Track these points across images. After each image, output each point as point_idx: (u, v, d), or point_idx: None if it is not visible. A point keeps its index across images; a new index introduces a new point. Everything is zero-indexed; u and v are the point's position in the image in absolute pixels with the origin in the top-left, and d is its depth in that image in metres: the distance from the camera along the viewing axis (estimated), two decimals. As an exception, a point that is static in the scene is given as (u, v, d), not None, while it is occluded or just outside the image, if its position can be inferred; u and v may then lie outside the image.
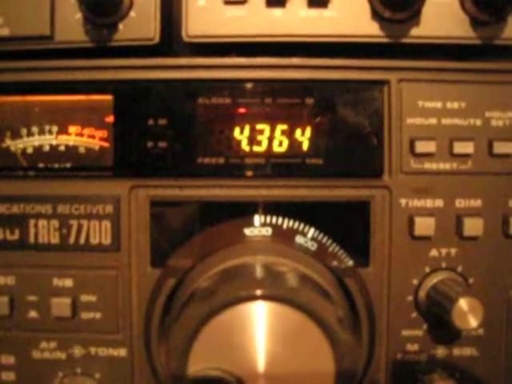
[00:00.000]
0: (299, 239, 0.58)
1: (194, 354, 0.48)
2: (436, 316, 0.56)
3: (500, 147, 0.57)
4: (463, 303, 0.52)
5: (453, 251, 0.57)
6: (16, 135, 0.59)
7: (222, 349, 0.48)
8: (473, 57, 0.60)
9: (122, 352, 0.59)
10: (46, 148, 0.59)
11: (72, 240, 0.58)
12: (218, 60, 0.57)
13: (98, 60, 0.57)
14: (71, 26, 0.58)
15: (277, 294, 0.48)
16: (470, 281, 0.58)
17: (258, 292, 0.48)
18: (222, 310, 0.48)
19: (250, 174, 0.58)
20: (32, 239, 0.58)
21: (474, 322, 0.52)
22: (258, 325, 0.48)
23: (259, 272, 0.52)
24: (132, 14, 0.57)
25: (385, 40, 0.57)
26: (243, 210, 0.58)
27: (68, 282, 0.58)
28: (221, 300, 0.49)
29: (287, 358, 0.48)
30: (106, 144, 0.58)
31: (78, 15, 0.57)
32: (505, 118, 0.58)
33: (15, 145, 0.59)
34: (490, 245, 0.58)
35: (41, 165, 0.59)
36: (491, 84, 0.58)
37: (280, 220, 0.58)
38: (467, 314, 0.52)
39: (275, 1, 0.56)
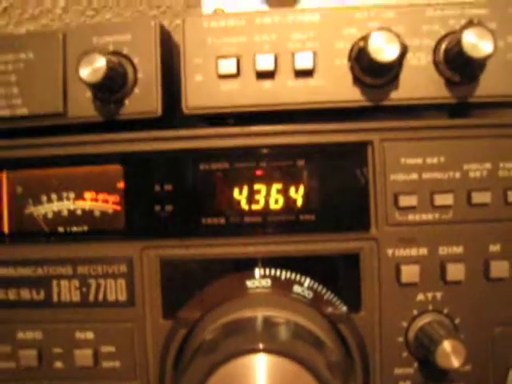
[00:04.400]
0: (297, 289, 0.63)
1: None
2: (424, 355, 0.61)
3: (478, 197, 0.62)
4: (446, 345, 0.57)
5: (438, 295, 0.62)
6: (37, 202, 0.65)
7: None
8: (455, 113, 0.65)
9: (140, 397, 0.65)
10: (65, 213, 0.65)
11: (91, 297, 0.64)
12: (215, 130, 0.63)
13: (107, 134, 0.63)
14: (82, 103, 0.64)
15: (275, 348, 0.53)
16: (457, 321, 0.62)
17: (258, 346, 0.53)
18: (225, 363, 0.53)
19: (249, 231, 0.63)
20: (55, 298, 0.65)
21: (456, 363, 0.57)
22: (259, 375, 0.53)
23: (259, 326, 0.58)
24: (136, 90, 0.63)
25: (367, 104, 0.62)
26: (244, 265, 0.63)
27: (89, 335, 0.64)
28: (225, 353, 0.54)
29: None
30: (118, 208, 0.64)
31: (88, 94, 0.63)
32: (482, 170, 0.62)
33: (37, 211, 0.65)
34: (474, 288, 0.62)
35: (60, 229, 0.65)
36: (468, 138, 0.62)
37: (278, 272, 0.63)
38: (450, 355, 0.57)
39: (265, 73, 0.62)
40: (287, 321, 0.58)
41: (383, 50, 0.57)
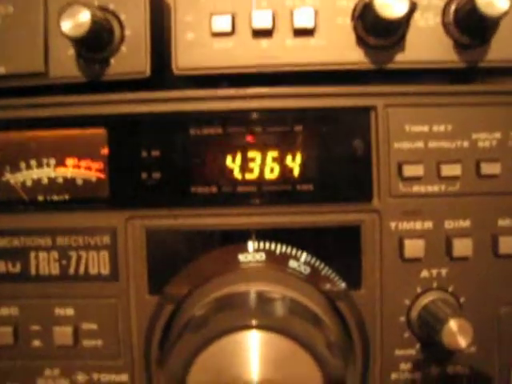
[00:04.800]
0: (292, 263, 0.59)
1: (190, 381, 0.49)
2: (428, 335, 0.57)
3: (487, 168, 0.58)
4: (453, 324, 0.53)
5: (443, 272, 0.59)
6: (15, 169, 0.61)
7: (218, 375, 0.49)
8: (460, 79, 0.61)
9: (123, 377, 0.60)
10: (45, 180, 0.61)
11: (72, 271, 0.60)
12: (208, 92, 0.59)
13: (91, 95, 0.59)
14: (65, 62, 0.59)
15: (269, 324, 0.50)
16: (462, 300, 0.59)
17: (252, 322, 0.50)
18: (217, 339, 0.49)
19: (242, 201, 0.59)
20: (33, 271, 0.60)
21: (463, 343, 0.53)
22: (252, 352, 0.50)
23: (252, 301, 0.54)
24: (123, 48, 0.59)
25: (370, 66, 0.58)
26: (237, 237, 0.59)
27: (69, 311, 0.60)
28: (216, 329, 0.50)
29: (280, 384, 0.49)
30: (102, 175, 0.60)
31: (71, 51, 0.59)
32: (491, 139, 0.59)
33: (15, 178, 0.61)
34: (480, 264, 0.59)
35: (40, 197, 0.61)
36: (477, 106, 0.59)
37: (273, 245, 0.59)
38: (457, 334, 0.53)
39: (262, 32, 0.58)
40: (282, 296, 0.55)
41: (390, 5, 0.53)
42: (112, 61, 0.59)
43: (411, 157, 0.58)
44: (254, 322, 0.50)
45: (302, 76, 0.59)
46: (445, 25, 0.57)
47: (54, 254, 0.60)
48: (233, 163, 0.59)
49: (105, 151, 0.60)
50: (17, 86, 0.60)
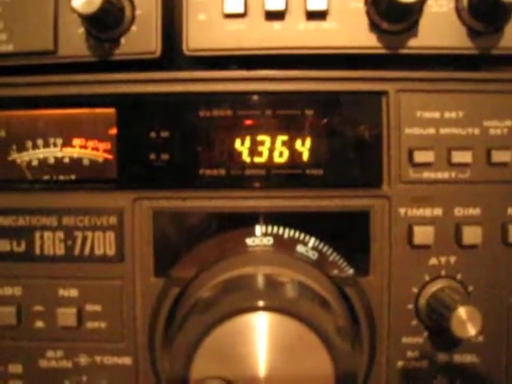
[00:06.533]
0: (300, 248, 0.59)
1: (196, 363, 0.49)
2: (436, 323, 0.57)
3: (498, 156, 0.58)
4: (462, 312, 0.53)
5: (452, 259, 0.58)
6: (21, 148, 0.60)
7: (224, 358, 0.49)
8: (472, 66, 0.61)
9: (126, 360, 0.60)
10: (51, 160, 0.60)
11: (77, 251, 0.59)
12: (218, 73, 0.58)
13: (101, 74, 0.58)
14: (74, 40, 0.59)
15: (277, 306, 0.49)
16: (470, 288, 0.58)
17: (259, 303, 0.49)
18: (223, 321, 0.49)
19: (251, 184, 0.59)
20: (38, 251, 0.59)
21: (472, 331, 0.53)
22: (259, 334, 0.49)
23: (260, 283, 0.53)
24: (133, 28, 0.58)
25: (383, 51, 0.57)
26: (245, 220, 0.59)
27: (73, 293, 0.59)
28: (223, 311, 0.49)
29: (287, 367, 0.49)
30: (109, 156, 0.59)
31: (81, 30, 0.58)
32: (502, 127, 0.58)
33: (21, 157, 0.60)
34: (490, 253, 0.58)
35: (46, 177, 0.60)
36: (489, 93, 0.58)
37: (281, 230, 0.59)
38: (466, 322, 0.53)
39: (274, 14, 0.57)
40: (290, 279, 0.54)
41: (405, -11, 0.52)
42: (122, 40, 0.58)
43: (422, 143, 0.58)
44: (261, 304, 0.49)
45: (314, 60, 0.59)
46: (458, 11, 0.57)
47: (60, 234, 0.59)
48: (242, 146, 0.59)
49: (113, 131, 0.59)
50: (25, 64, 0.59)
